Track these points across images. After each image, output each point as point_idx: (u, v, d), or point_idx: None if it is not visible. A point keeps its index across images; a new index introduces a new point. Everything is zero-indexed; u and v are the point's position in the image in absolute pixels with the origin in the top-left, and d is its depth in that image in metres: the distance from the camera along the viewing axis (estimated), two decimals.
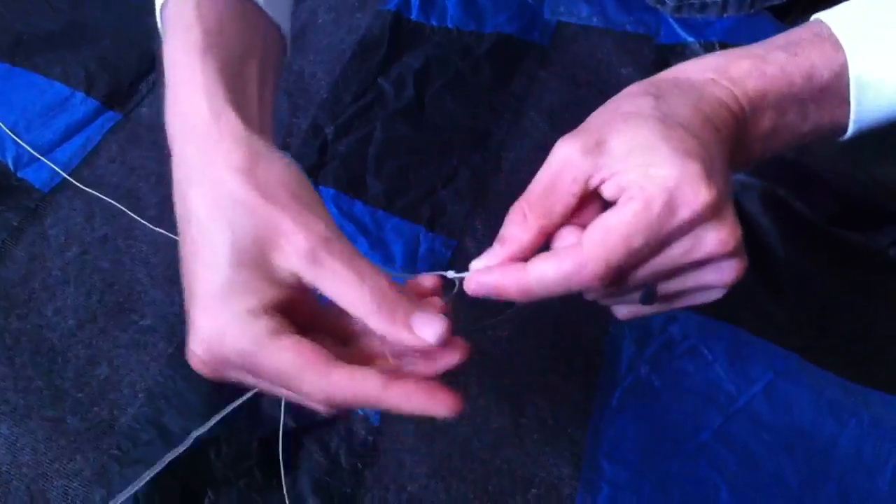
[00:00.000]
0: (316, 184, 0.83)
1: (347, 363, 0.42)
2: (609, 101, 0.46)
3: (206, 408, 0.68)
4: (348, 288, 0.42)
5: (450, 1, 0.98)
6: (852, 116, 0.48)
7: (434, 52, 0.94)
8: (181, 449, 0.56)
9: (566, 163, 0.43)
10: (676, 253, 0.42)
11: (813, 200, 0.77)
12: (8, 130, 0.88)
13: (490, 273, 0.44)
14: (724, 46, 0.86)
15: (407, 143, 0.87)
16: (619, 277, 0.42)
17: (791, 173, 0.78)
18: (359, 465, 0.66)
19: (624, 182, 0.42)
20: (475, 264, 0.46)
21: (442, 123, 0.89)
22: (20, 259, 0.79)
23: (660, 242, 0.41)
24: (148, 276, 0.77)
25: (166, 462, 0.57)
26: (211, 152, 0.44)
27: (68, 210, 0.82)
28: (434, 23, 0.97)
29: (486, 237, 0.79)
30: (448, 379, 0.69)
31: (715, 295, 0.46)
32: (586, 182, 0.43)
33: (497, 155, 0.86)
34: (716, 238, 0.41)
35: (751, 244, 0.75)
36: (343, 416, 0.66)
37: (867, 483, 0.64)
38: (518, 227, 0.44)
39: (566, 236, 0.44)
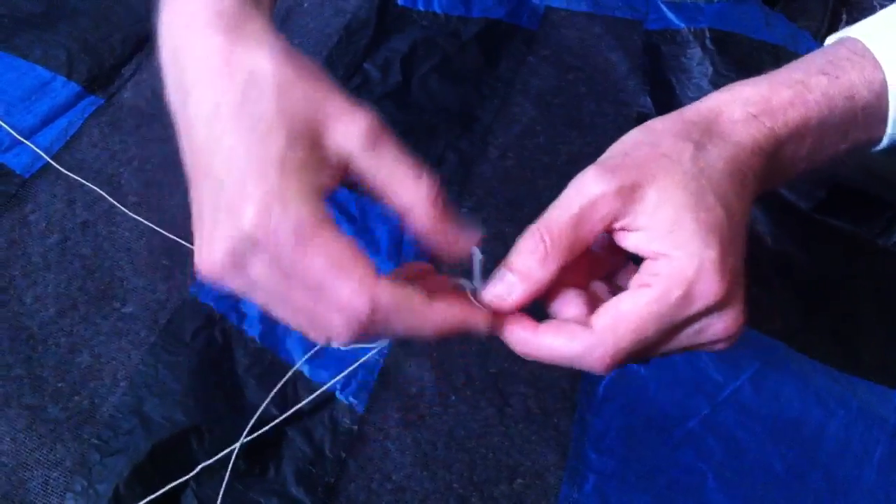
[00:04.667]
0: None
1: None
2: (646, 128, 0.44)
3: (187, 396, 0.67)
4: (405, 177, 0.40)
5: None
6: (889, 131, 0.47)
7: (421, 36, 0.93)
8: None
9: (599, 200, 0.41)
10: (682, 339, 0.42)
11: (801, 188, 0.77)
12: None
13: (501, 319, 0.43)
14: (714, 33, 0.85)
15: (393, 127, 0.85)
16: (624, 362, 0.41)
17: None
18: (343, 454, 0.65)
19: (644, 248, 0.41)
20: (488, 291, 0.43)
21: (428, 108, 0.88)
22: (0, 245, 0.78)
23: (671, 332, 0.41)
24: (130, 263, 0.76)
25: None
26: (237, 42, 0.40)
27: (49, 196, 0.81)
28: (421, 7, 0.96)
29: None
30: (434, 366, 0.69)
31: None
32: (612, 224, 0.42)
33: (484, 140, 0.85)
34: (722, 326, 0.41)
35: None
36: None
37: (854, 471, 0.63)
38: (538, 262, 0.41)
39: (572, 299, 0.43)
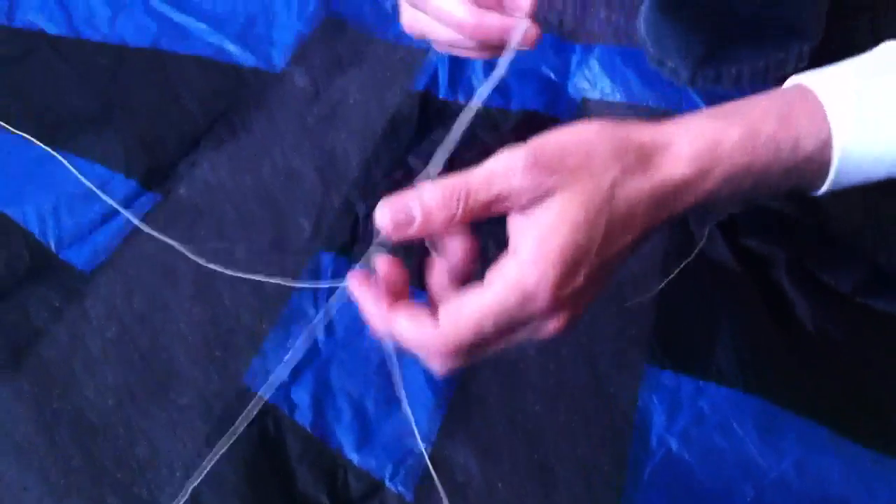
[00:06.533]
0: (349, 262, 0.85)
1: None
2: (600, 131, 0.46)
3: (241, 486, 0.69)
4: None
5: (476, 79, 1.00)
6: (828, 183, 0.49)
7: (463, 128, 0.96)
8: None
9: (520, 192, 0.43)
10: (518, 337, 0.46)
11: (839, 270, 0.78)
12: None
13: (364, 294, 0.47)
14: None
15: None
16: (466, 358, 0.45)
17: (816, 243, 0.79)
18: None
19: (514, 233, 0.44)
20: (392, 209, 0.45)
21: None
22: (61, 338, 0.81)
23: (507, 329, 0.44)
24: (186, 354, 0.79)
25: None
26: None
27: (108, 290, 0.85)
28: (462, 100, 0.99)
29: None
30: (480, 452, 0.70)
31: None
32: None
33: None
34: (553, 327, 0.45)
35: (779, 315, 0.76)
36: None
37: None
38: (443, 220, 0.44)
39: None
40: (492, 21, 0.52)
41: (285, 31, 1.09)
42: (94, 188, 0.93)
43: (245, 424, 0.59)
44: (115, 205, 0.91)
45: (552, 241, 0.43)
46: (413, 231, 0.45)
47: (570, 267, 0.43)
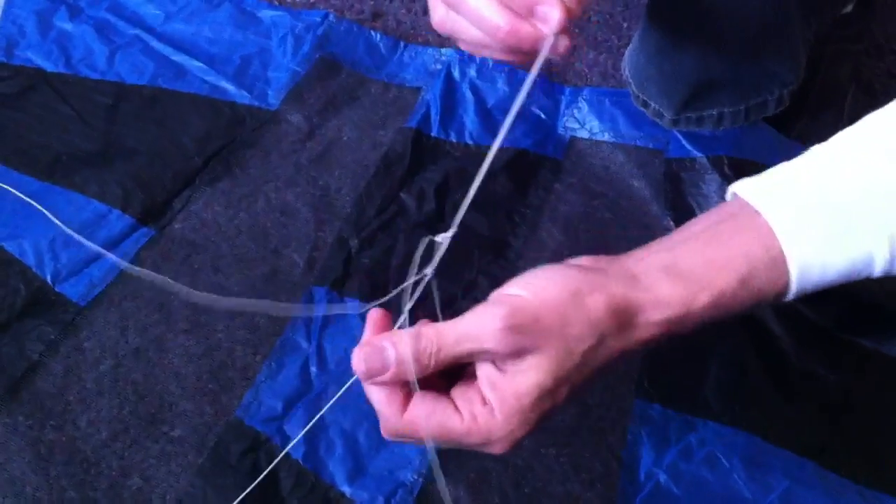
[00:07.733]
0: (341, 295, 0.86)
1: None
2: (576, 295, 0.47)
3: None
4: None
5: (468, 118, 1.02)
6: (786, 299, 0.51)
7: (453, 166, 0.98)
8: None
9: (491, 352, 0.46)
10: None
11: (822, 305, 0.79)
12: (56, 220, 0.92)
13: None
14: (731, 160, 0.89)
15: (428, 254, 0.90)
16: (411, 442, 0.50)
17: None
18: None
19: (486, 386, 0.47)
20: (371, 352, 0.48)
21: (461, 235, 0.91)
22: (56, 371, 0.82)
23: (457, 445, 0.48)
24: (179, 387, 0.80)
25: None
26: None
27: (103, 323, 0.86)
28: (453, 138, 1.01)
29: None
30: (470, 485, 0.71)
31: None
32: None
33: (514, 265, 0.89)
34: (493, 451, 0.48)
35: (764, 351, 0.77)
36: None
37: None
38: (418, 368, 0.47)
39: None
40: (525, 30, 0.53)
41: (281, 70, 1.11)
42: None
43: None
44: (99, 248, 0.92)
45: (523, 402, 0.46)
46: (385, 378, 0.48)
47: (534, 424, 0.47)
